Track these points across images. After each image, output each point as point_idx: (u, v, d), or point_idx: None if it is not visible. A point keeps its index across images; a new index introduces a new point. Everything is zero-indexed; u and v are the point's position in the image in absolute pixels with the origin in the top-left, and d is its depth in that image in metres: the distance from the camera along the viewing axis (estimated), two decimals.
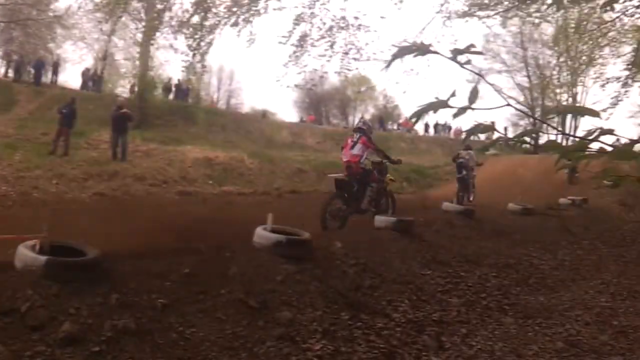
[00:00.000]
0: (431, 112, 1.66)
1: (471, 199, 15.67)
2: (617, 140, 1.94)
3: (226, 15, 12.42)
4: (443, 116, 54.78)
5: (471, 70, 1.65)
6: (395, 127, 44.87)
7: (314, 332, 4.76)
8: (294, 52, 12.69)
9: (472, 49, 1.64)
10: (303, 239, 6.16)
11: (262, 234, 5.99)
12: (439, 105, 1.61)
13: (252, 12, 12.32)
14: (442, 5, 12.59)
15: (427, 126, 42.50)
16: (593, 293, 7.55)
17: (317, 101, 49.14)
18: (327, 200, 9.02)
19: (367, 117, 47.25)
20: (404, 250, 7.40)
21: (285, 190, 13.95)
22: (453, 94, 1.61)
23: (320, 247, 6.46)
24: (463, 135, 41.47)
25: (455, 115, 1.66)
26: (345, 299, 5.53)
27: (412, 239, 7.95)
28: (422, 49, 1.58)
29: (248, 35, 12.74)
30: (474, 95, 1.63)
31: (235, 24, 12.34)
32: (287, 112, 71.19)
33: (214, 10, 12.49)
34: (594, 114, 1.91)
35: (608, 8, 10.84)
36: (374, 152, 9.49)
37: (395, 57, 1.71)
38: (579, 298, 7.24)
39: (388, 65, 1.74)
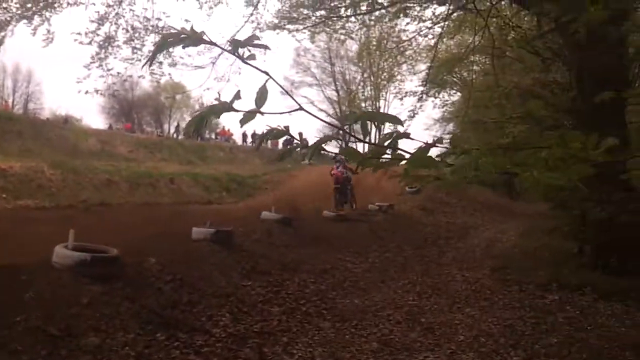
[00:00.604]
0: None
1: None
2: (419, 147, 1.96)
3: (19, 11, 11.01)
4: (261, 126, 55.70)
5: (256, 68, 1.46)
6: (212, 136, 44.28)
7: (126, 356, 4.34)
8: (97, 54, 11.68)
9: (255, 42, 1.48)
10: (110, 256, 5.63)
11: (62, 253, 5.34)
12: (222, 108, 1.43)
13: (47, 7, 11.07)
14: (251, 15, 12.64)
15: (245, 136, 42.76)
16: (401, 293, 8.11)
17: (129, 108, 46.34)
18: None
19: (183, 124, 45.99)
20: (224, 261, 7.22)
21: (93, 203, 12.77)
22: (238, 96, 1.43)
23: (131, 263, 5.98)
24: (280, 146, 42.67)
25: (243, 121, 1.48)
26: (161, 318, 5.16)
27: (232, 250, 7.80)
28: (194, 38, 1.39)
29: (45, 34, 11.41)
30: (261, 97, 1.47)
31: (29, 20, 10.98)
32: (94, 118, 65.61)
33: (4, 4, 10.98)
34: (396, 121, 1.89)
35: (401, 15, 11.99)
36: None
37: (160, 47, 1.49)
38: (389, 298, 7.73)
39: (151, 60, 1.55)
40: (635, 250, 8.17)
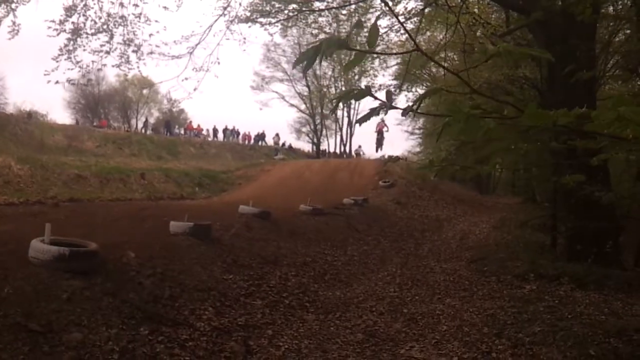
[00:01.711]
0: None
1: None
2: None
3: None
4: (232, 121, 55.23)
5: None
6: (182, 131, 43.68)
7: (110, 352, 4.24)
8: (65, 46, 11.30)
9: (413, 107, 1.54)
10: (89, 250, 5.47)
11: (39, 247, 5.15)
12: (362, 93, 1.44)
13: None
14: (224, 9, 12.44)
15: (215, 131, 42.34)
16: (382, 284, 8.14)
17: (95, 102, 45.26)
18: None
19: (152, 121, 45.31)
20: (204, 255, 7.10)
21: (63, 198, 12.41)
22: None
23: (111, 258, 5.83)
24: (252, 141, 42.41)
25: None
26: (143, 312, 5.05)
27: (211, 244, 7.69)
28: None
29: (10, 26, 10.98)
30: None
31: None
32: (60, 113, 63.75)
33: None
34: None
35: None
36: None
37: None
38: (370, 290, 7.75)
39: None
40: (608, 240, 8.38)
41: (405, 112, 1.62)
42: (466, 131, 1.73)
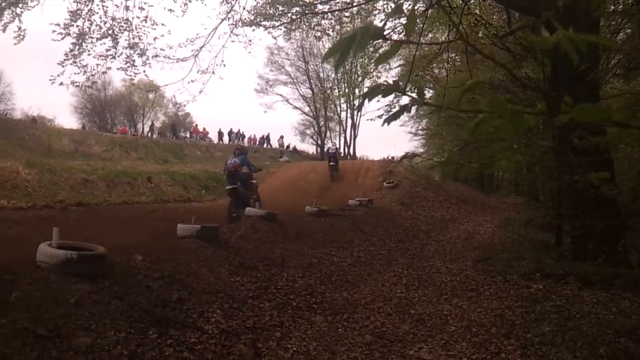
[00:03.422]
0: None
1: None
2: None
3: None
4: (237, 124, 55.40)
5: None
6: (187, 135, 43.84)
7: (119, 356, 4.24)
8: (71, 51, 11.38)
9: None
10: (97, 254, 5.48)
11: (47, 252, 5.18)
12: (390, 89, 1.41)
13: (19, 2, 10.75)
14: (227, 13, 12.48)
15: (220, 134, 42.47)
16: (389, 285, 8.15)
17: (101, 107, 45.51)
18: None
19: (158, 125, 45.45)
20: (211, 258, 7.12)
21: (71, 202, 12.47)
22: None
23: (118, 261, 5.86)
24: (257, 144, 42.49)
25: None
26: (151, 316, 5.06)
27: (218, 246, 7.71)
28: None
29: (16, 31, 11.07)
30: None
31: None
32: (67, 118, 64.00)
33: None
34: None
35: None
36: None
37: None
38: (377, 291, 7.76)
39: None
40: (614, 238, 8.35)
41: (437, 107, 1.60)
42: (506, 128, 1.70)
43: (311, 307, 6.65)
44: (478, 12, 13.86)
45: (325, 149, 24.98)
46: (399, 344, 5.51)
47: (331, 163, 22.76)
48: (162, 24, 11.00)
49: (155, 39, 11.16)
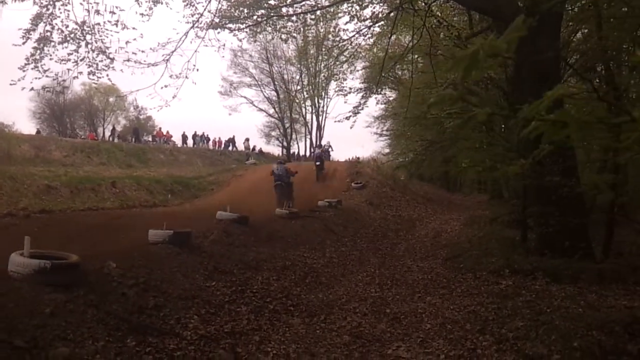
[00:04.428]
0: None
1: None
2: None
3: None
4: (201, 127, 54.78)
5: None
6: (150, 139, 43.04)
7: None
8: (32, 55, 11.05)
9: None
10: (70, 262, 5.37)
11: (19, 261, 5.06)
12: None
13: None
14: (199, 17, 12.33)
15: (185, 137, 41.90)
16: (363, 285, 8.23)
17: (60, 112, 44.26)
18: None
19: (119, 128, 44.49)
20: (185, 263, 7.06)
21: (34, 210, 12.10)
22: None
23: (91, 269, 5.76)
24: (223, 147, 42.10)
25: None
26: (128, 323, 4.99)
27: (191, 251, 7.65)
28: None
29: None
30: None
31: None
32: (25, 124, 61.75)
33: None
34: None
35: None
36: None
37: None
38: (352, 291, 7.82)
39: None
40: (578, 233, 8.64)
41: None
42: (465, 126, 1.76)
43: (288, 309, 6.66)
44: (440, 15, 14.13)
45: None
46: (377, 344, 5.57)
47: (317, 163, 23.76)
48: (134, 28, 10.77)
49: (127, 42, 10.94)
